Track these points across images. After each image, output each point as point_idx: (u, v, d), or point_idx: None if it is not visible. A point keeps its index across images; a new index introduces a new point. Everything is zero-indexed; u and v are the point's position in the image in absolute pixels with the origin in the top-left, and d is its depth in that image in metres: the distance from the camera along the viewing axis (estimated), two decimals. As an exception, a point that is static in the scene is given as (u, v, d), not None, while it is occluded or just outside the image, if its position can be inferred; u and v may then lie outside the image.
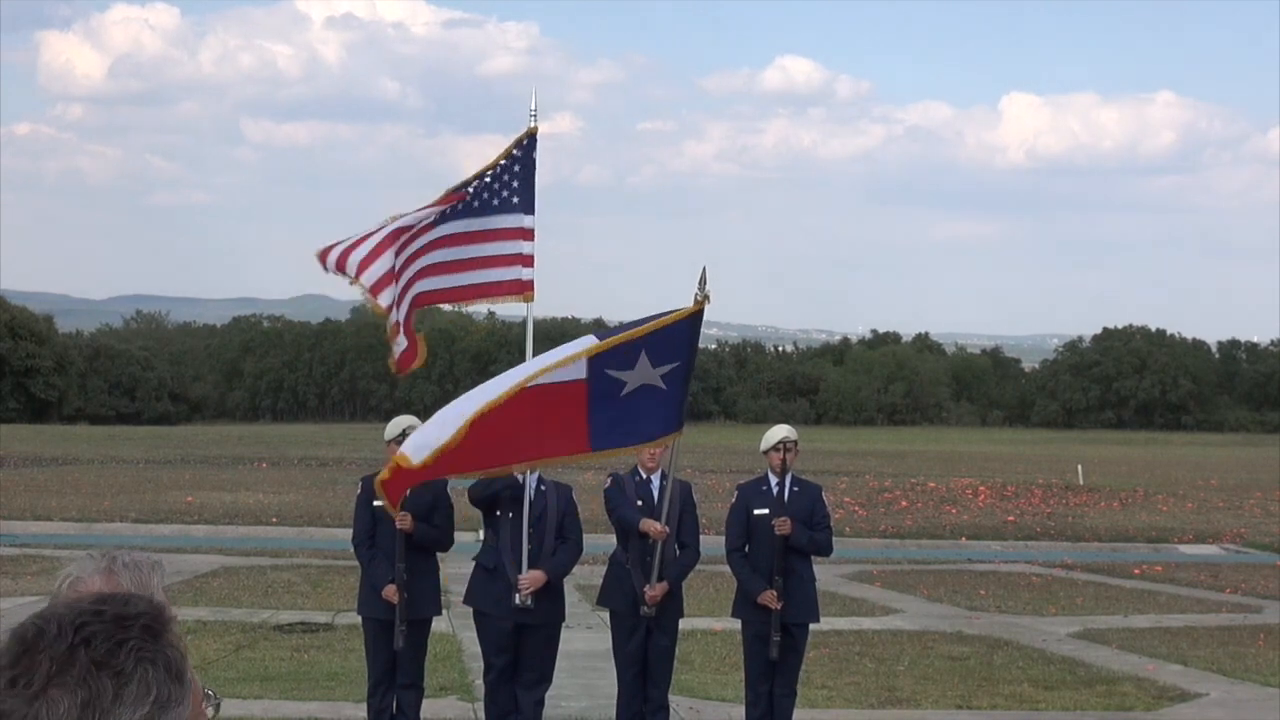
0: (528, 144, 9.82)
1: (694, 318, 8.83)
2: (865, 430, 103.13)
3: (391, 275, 9.45)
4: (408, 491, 9.05)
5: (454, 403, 8.76)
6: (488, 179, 9.71)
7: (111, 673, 1.70)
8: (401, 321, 9.58)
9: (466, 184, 9.73)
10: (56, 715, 1.67)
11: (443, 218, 9.64)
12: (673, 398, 8.77)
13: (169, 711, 1.71)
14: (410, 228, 9.51)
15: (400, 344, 9.65)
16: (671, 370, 8.72)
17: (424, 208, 9.70)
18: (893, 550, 25.60)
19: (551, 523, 9.66)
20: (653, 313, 8.90)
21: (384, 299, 9.46)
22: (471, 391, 8.76)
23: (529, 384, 8.45)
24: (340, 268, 9.45)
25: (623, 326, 9.10)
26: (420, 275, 9.66)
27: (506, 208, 9.72)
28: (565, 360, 8.54)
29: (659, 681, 10.00)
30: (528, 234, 9.76)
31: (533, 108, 9.93)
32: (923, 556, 24.72)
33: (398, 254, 9.47)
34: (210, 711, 1.82)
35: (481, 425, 8.36)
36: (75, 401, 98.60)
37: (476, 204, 9.71)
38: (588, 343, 8.71)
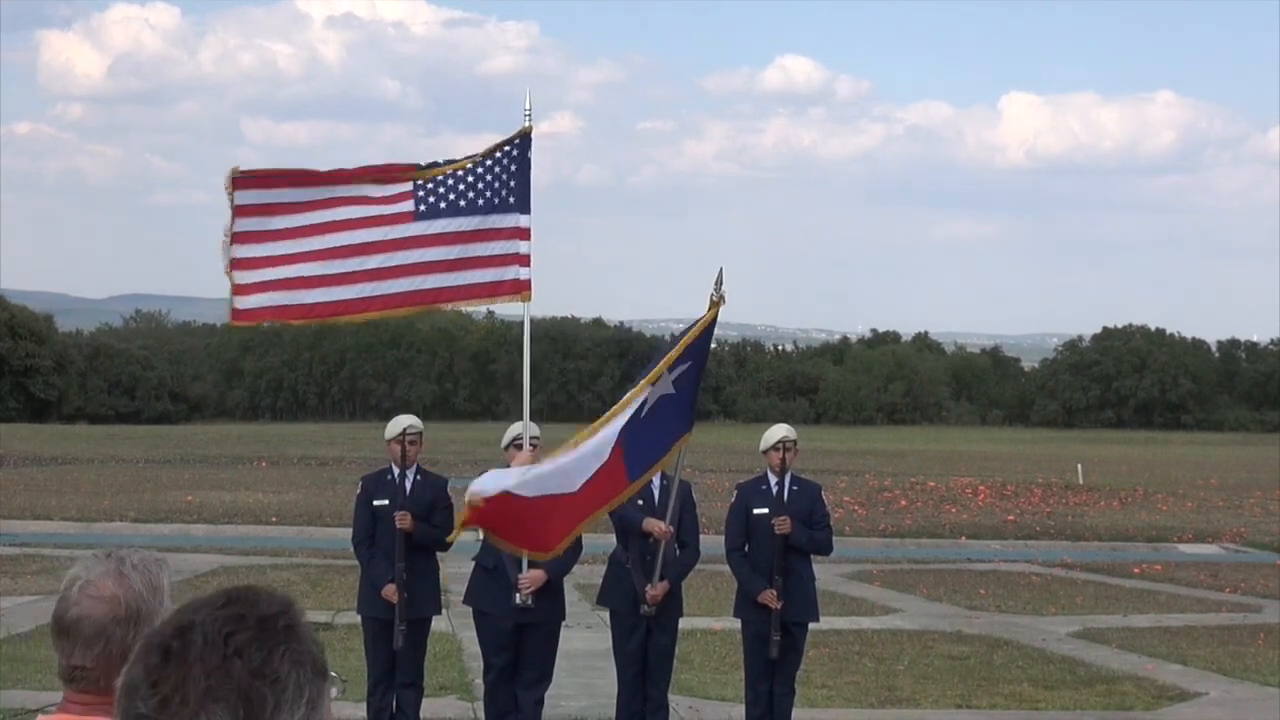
0: (522, 143, 9.83)
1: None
2: (865, 429, 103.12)
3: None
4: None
5: (555, 470, 8.40)
6: (487, 177, 9.69)
7: (269, 681, 1.67)
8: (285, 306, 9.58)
9: (437, 171, 9.68)
10: None
11: (429, 214, 9.61)
12: (684, 399, 8.79)
13: (319, 709, 1.70)
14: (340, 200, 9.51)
15: (249, 302, 9.59)
16: (683, 372, 8.74)
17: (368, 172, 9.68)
18: (892, 549, 25.60)
19: (551, 522, 9.66)
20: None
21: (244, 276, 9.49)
22: (568, 464, 8.42)
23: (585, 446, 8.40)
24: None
25: (659, 355, 9.20)
26: (407, 272, 9.63)
27: (504, 207, 9.72)
28: (618, 409, 8.55)
29: (659, 681, 10.00)
30: (524, 233, 9.76)
31: (527, 108, 9.96)
32: (922, 556, 24.72)
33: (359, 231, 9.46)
34: (334, 693, 1.81)
35: (544, 507, 8.33)
36: (75, 401, 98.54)
37: (481, 202, 9.69)
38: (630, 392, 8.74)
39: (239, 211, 9.45)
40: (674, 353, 8.81)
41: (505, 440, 9.92)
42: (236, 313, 9.60)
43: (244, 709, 1.65)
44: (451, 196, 9.65)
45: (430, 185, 9.64)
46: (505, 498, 8.18)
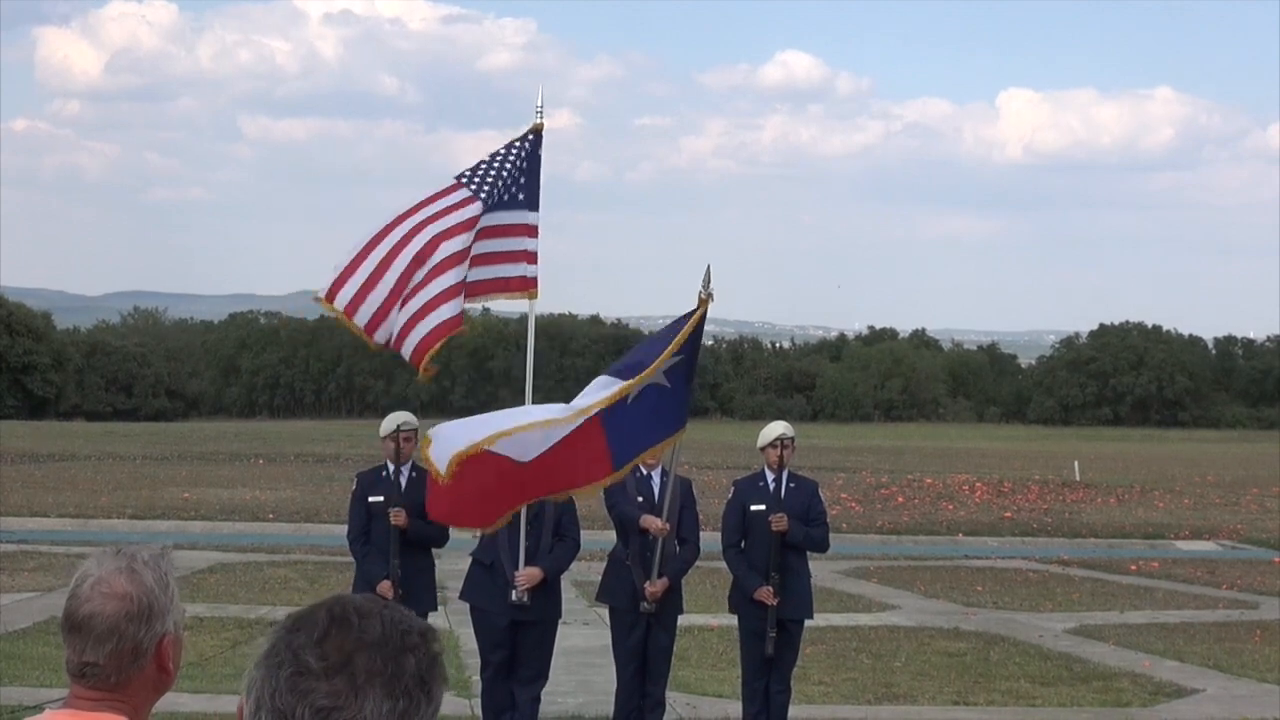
0: (533, 140, 9.81)
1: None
2: (862, 426, 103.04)
3: (386, 308, 9.34)
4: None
5: (484, 417, 8.61)
6: (491, 175, 9.68)
7: (426, 690, 1.77)
8: (423, 330, 9.41)
9: (470, 176, 9.66)
10: (379, 715, 1.72)
11: (446, 211, 9.57)
12: (676, 394, 8.77)
13: None
14: (403, 224, 9.43)
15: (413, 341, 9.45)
16: (673, 365, 8.71)
17: (418, 207, 9.60)
18: (889, 546, 25.61)
19: (549, 519, 9.66)
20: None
21: (379, 335, 9.38)
22: (502, 412, 8.62)
23: (556, 428, 8.35)
24: (330, 300, 9.39)
25: (641, 349, 9.13)
26: (433, 275, 9.58)
27: (514, 204, 9.71)
28: (597, 404, 8.47)
29: (657, 678, 10.00)
30: (532, 230, 9.75)
31: (539, 104, 9.93)
32: (919, 553, 24.73)
33: (397, 257, 9.36)
34: None
35: (509, 472, 8.26)
36: (72, 398, 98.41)
37: (507, 197, 9.67)
38: (613, 386, 8.60)
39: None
40: (668, 352, 8.75)
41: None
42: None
43: (403, 705, 1.74)
44: (499, 188, 9.63)
45: (476, 180, 9.60)
46: (476, 461, 8.11)
